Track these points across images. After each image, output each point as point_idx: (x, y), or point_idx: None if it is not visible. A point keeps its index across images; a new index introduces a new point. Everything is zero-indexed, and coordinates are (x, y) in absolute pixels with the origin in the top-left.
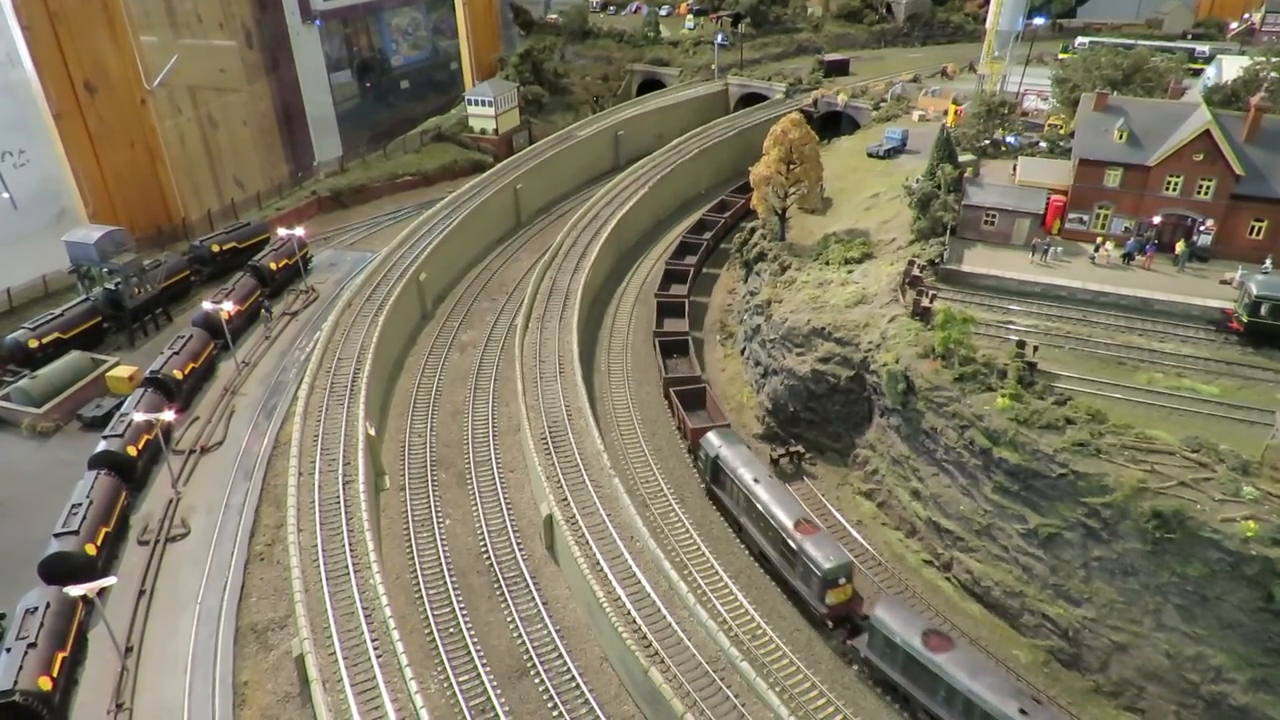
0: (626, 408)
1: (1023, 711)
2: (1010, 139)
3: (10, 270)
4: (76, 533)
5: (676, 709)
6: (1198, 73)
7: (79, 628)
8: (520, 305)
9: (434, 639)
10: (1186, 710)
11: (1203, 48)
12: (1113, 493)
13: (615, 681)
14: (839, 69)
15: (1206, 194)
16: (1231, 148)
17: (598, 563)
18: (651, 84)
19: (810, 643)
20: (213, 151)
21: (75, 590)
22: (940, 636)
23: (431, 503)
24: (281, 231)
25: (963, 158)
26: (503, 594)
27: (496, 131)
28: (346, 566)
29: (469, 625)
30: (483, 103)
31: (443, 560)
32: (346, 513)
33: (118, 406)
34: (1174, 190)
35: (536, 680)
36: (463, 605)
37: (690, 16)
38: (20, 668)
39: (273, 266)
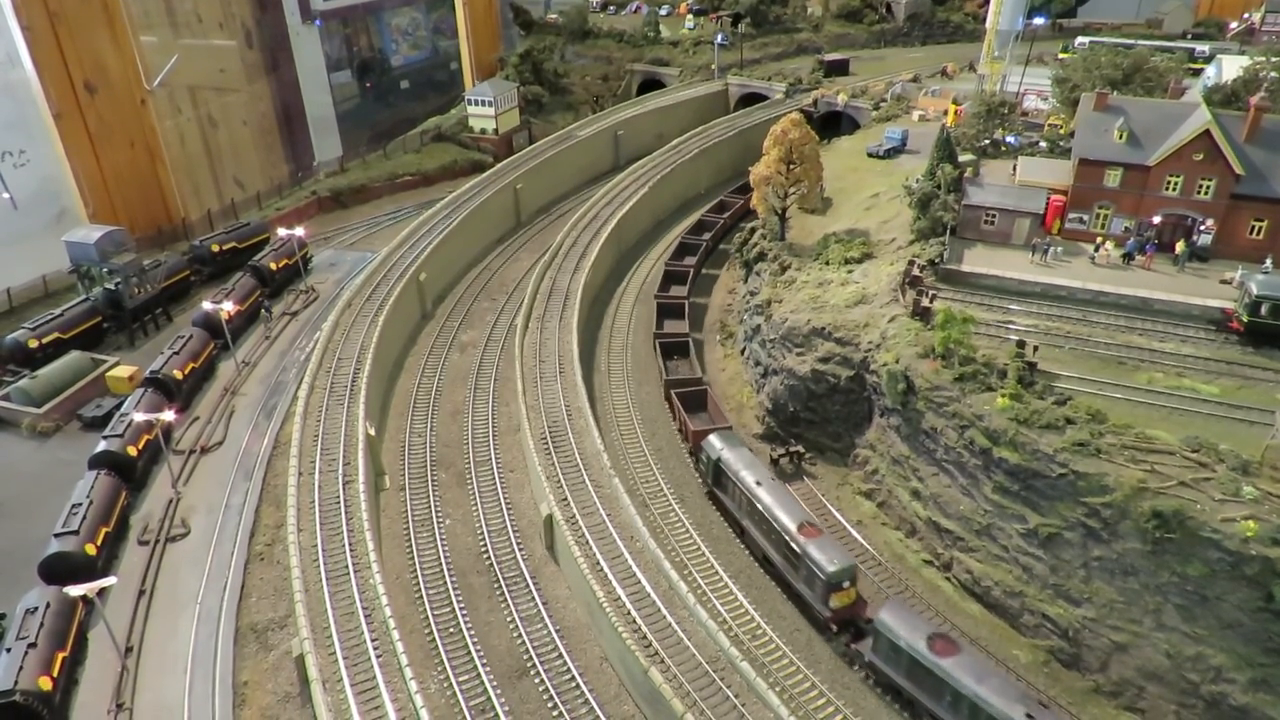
0: (626, 408)
1: (1029, 716)
2: (1010, 139)
3: (10, 270)
4: (76, 533)
5: (676, 709)
6: (1198, 73)
7: (79, 628)
8: (520, 305)
9: (434, 639)
10: (1186, 710)
11: (1203, 47)
12: (1113, 493)
13: (615, 681)
14: (839, 69)
15: (1206, 194)
16: (1231, 147)
17: (598, 563)
18: (651, 84)
19: (810, 643)
20: (213, 151)
21: (75, 590)
22: (946, 641)
23: (431, 503)
24: (281, 231)
25: (963, 158)
26: (503, 594)
27: (496, 131)
28: (346, 566)
29: (469, 625)
30: (483, 103)
31: (443, 560)
32: (346, 513)
33: (118, 406)
34: (1174, 190)
35: (536, 680)
36: (463, 605)
37: (690, 16)
38: (20, 668)
39: (273, 266)
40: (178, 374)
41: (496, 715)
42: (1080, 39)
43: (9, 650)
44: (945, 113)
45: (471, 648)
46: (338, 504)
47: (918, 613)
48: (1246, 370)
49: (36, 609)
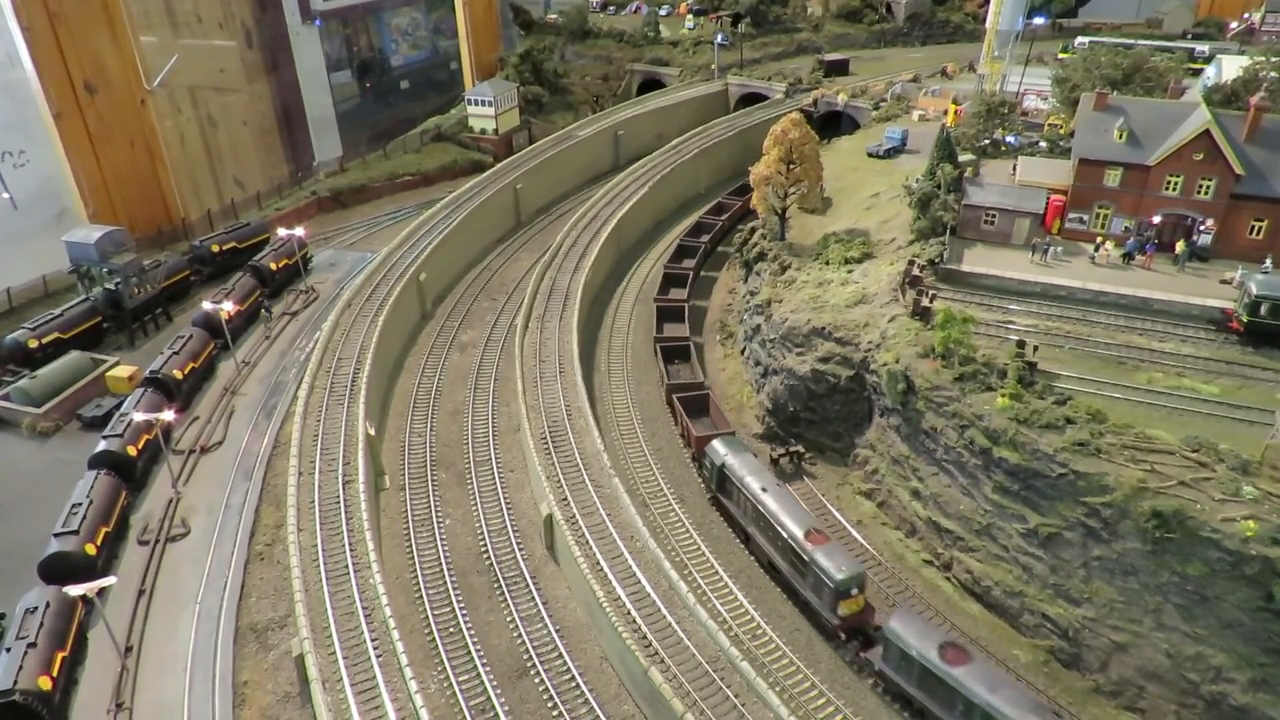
0: (626, 408)
1: None
2: (1010, 139)
3: (10, 270)
4: (76, 533)
5: (676, 709)
6: (1197, 72)
7: (79, 627)
8: (520, 305)
9: (434, 639)
10: (1186, 710)
11: (1202, 47)
12: (1113, 492)
13: (615, 681)
14: (839, 69)
15: (1206, 193)
16: (1231, 147)
17: (598, 563)
18: (651, 84)
19: (810, 642)
20: (213, 151)
21: (75, 590)
22: (957, 649)
23: (431, 502)
24: (281, 231)
25: (963, 157)
26: (503, 594)
27: (496, 131)
28: (346, 566)
29: (469, 625)
30: (483, 103)
31: (443, 560)
32: (346, 512)
33: (117, 406)
34: (1174, 190)
35: (536, 680)
36: (463, 605)
37: (690, 16)
38: (20, 667)
39: (273, 266)
40: (177, 374)
41: (496, 715)
42: (1080, 39)
43: (9, 650)
44: (945, 113)
45: (471, 648)
46: (338, 504)
47: (928, 621)
48: (1246, 370)
49: (36, 609)
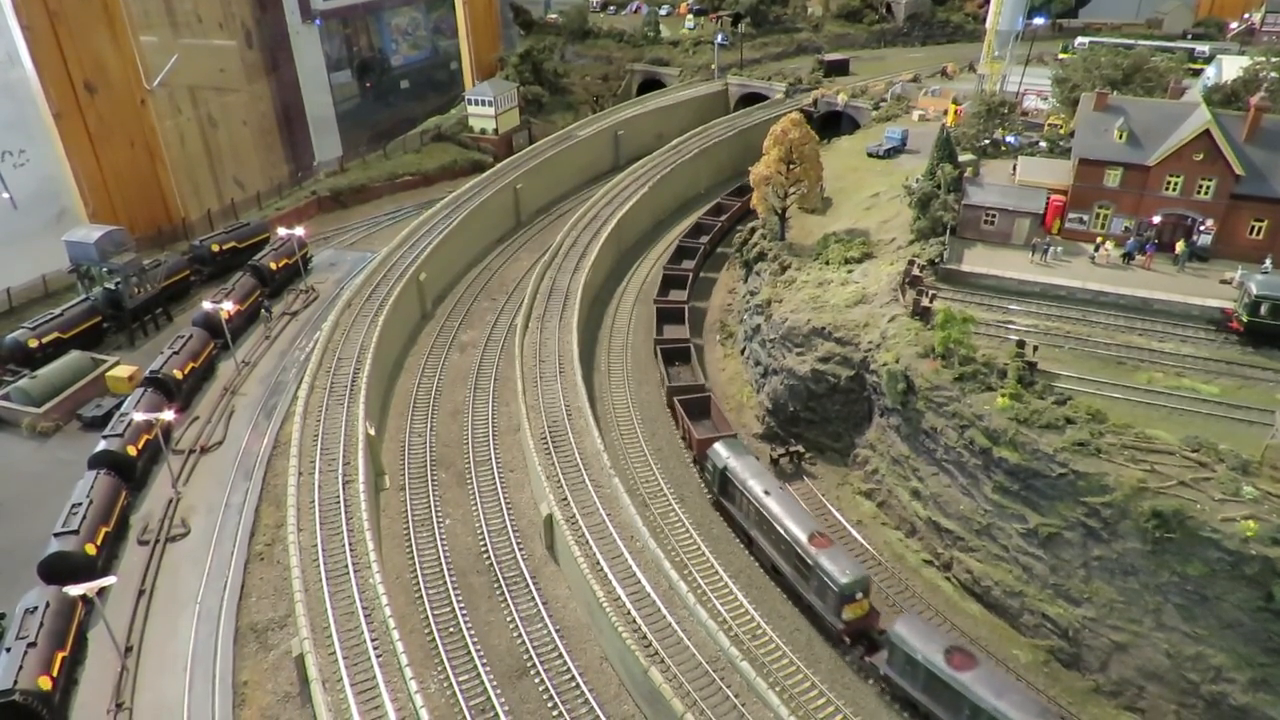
0: (626, 408)
1: None
2: (1010, 139)
3: (10, 270)
4: (76, 532)
5: (676, 709)
6: (1198, 73)
7: (79, 627)
8: (520, 305)
9: (434, 639)
10: (1186, 710)
11: (1203, 48)
12: (1113, 492)
13: (615, 681)
14: (839, 69)
15: (1206, 194)
16: (1231, 147)
17: (598, 563)
18: (651, 84)
19: (810, 642)
20: (213, 151)
21: (75, 590)
22: (964, 654)
23: (431, 502)
24: (281, 231)
25: (963, 157)
26: (503, 594)
27: (496, 131)
28: (346, 566)
29: (469, 625)
30: (483, 103)
31: (443, 560)
32: (346, 512)
33: (117, 406)
34: (1174, 190)
35: (536, 680)
36: (463, 605)
37: (690, 16)
38: (20, 667)
39: (273, 266)
40: (177, 374)
41: (496, 715)
42: (1080, 39)
43: (9, 650)
44: (945, 113)
45: (471, 647)
46: (338, 504)
47: (934, 625)
48: (1246, 370)
49: (36, 609)
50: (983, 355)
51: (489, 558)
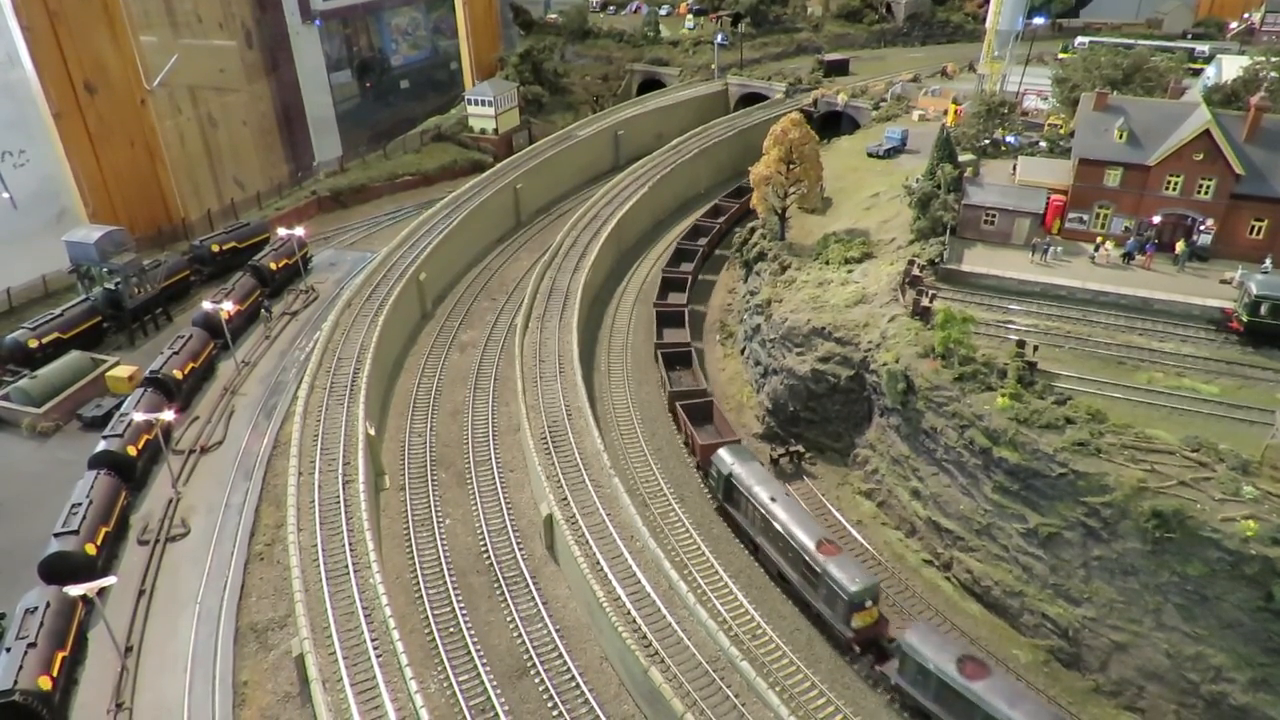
0: (626, 408)
1: None
2: (1010, 139)
3: (10, 270)
4: (76, 532)
5: (676, 709)
6: (1198, 72)
7: (79, 627)
8: (520, 305)
9: (434, 639)
10: (1186, 710)
11: (1203, 47)
12: (1113, 492)
13: (615, 681)
14: (839, 69)
15: (1206, 193)
16: (1231, 147)
17: (598, 562)
18: (651, 84)
19: (810, 642)
20: (213, 151)
21: (75, 590)
22: (976, 663)
23: (431, 502)
24: (281, 231)
25: (963, 157)
26: (503, 594)
27: (496, 131)
28: (346, 566)
29: (469, 625)
30: (483, 103)
31: (443, 560)
32: (346, 512)
33: (117, 406)
34: (1174, 190)
35: (536, 680)
36: (463, 605)
37: (690, 16)
38: (20, 667)
39: (273, 266)
40: (177, 374)
41: (496, 715)
42: (1080, 39)
43: (9, 650)
44: (945, 113)
45: (471, 647)
46: (338, 504)
47: (946, 633)
48: (1246, 370)
49: (36, 609)
50: (983, 355)
51: (489, 558)
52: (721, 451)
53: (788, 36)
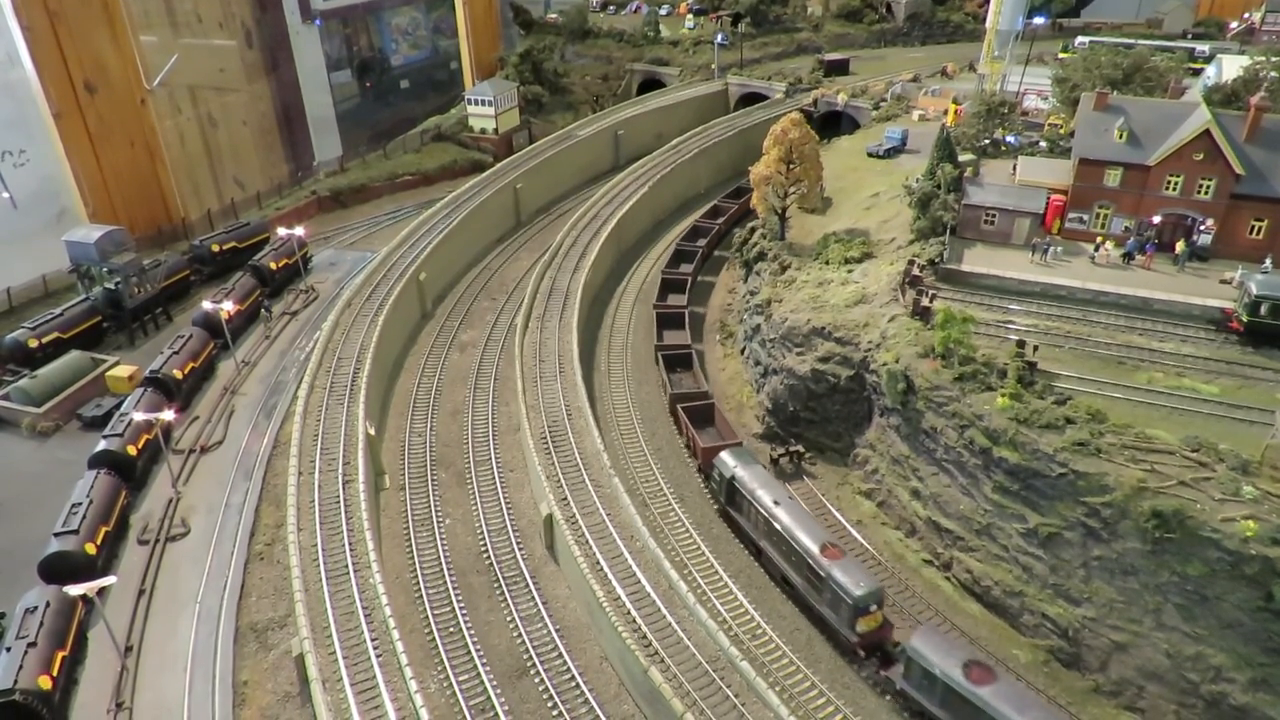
0: (626, 408)
1: None
2: (1010, 139)
3: (10, 270)
4: (76, 532)
5: (676, 708)
6: (1198, 72)
7: (79, 627)
8: (520, 305)
9: (434, 638)
10: (1186, 710)
11: (1203, 47)
12: (1113, 492)
13: (615, 681)
14: (839, 69)
15: (1206, 193)
16: (1231, 147)
17: (598, 562)
18: (651, 84)
19: (810, 642)
20: (213, 151)
21: (75, 589)
22: (982, 668)
23: (431, 502)
24: (281, 231)
25: (963, 157)
26: (503, 594)
27: (496, 131)
28: (346, 566)
29: (469, 625)
30: (483, 102)
31: (443, 560)
32: (346, 512)
33: (117, 406)
34: (1174, 190)
35: (536, 680)
36: (463, 605)
37: (690, 16)
38: (20, 667)
39: (272, 266)
40: (177, 373)
41: (496, 715)
42: (1080, 39)
43: (9, 649)
44: (945, 112)
45: (471, 647)
46: (338, 503)
47: (952, 638)
48: (1246, 370)
49: (36, 608)
50: (983, 355)
51: (489, 557)
52: (724, 455)
53: (788, 36)
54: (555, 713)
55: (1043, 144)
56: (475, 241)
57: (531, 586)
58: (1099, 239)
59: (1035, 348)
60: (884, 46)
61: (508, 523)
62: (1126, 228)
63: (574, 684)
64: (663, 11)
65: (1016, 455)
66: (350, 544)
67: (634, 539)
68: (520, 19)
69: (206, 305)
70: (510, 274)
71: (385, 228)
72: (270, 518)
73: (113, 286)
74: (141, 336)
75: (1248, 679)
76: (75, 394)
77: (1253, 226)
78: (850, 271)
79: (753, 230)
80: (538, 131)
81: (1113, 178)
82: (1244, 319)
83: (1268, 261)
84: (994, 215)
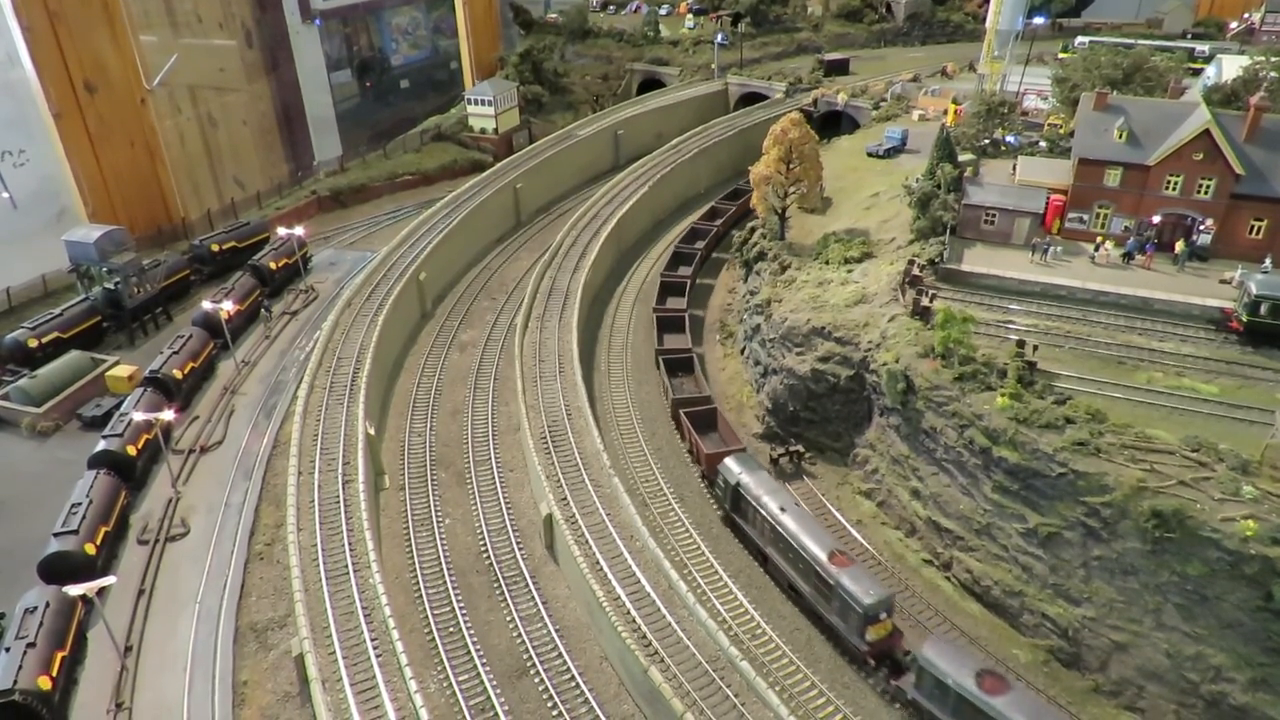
0: (626, 407)
1: None
2: (1010, 138)
3: (10, 270)
4: (76, 532)
5: (676, 708)
6: (1197, 72)
7: (78, 627)
8: (520, 304)
9: (434, 638)
10: (1186, 710)
11: (1202, 47)
12: (1112, 492)
13: (615, 681)
14: (839, 68)
15: (1206, 193)
16: (1231, 147)
17: (597, 562)
18: (651, 83)
19: (810, 642)
20: (213, 151)
21: (75, 590)
22: (995, 677)
23: (431, 502)
24: (281, 231)
25: (963, 157)
26: (502, 593)
27: (496, 131)
28: (346, 566)
29: (469, 625)
30: (482, 102)
31: (442, 560)
32: (346, 512)
33: (117, 406)
34: (1174, 190)
35: (536, 680)
36: (462, 605)
37: (690, 16)
38: (20, 667)
39: (272, 266)
40: (177, 373)
41: (496, 715)
42: (1080, 39)
43: (8, 650)
44: (945, 112)
45: (471, 647)
46: (337, 503)
47: (963, 647)
48: (1246, 370)
49: (36, 608)
50: (983, 355)
51: (489, 557)
52: (728, 461)
53: (788, 36)
54: (555, 713)
55: (1042, 144)
56: (475, 241)
57: (531, 586)
58: (1099, 239)
59: (1035, 347)
60: (884, 46)
61: (507, 523)
62: (1126, 227)
63: (574, 684)
64: (663, 11)
65: (1016, 455)
66: (350, 544)
67: (634, 539)
68: (520, 19)
69: (206, 305)
70: (510, 274)
71: (385, 227)
72: (270, 518)
73: (112, 286)
74: (141, 336)
75: (1247, 679)
76: (75, 394)
77: (1252, 226)
78: (850, 271)
79: (753, 230)
80: (538, 131)
81: (1112, 178)
82: (1244, 319)
83: (1267, 261)
84: (994, 215)
